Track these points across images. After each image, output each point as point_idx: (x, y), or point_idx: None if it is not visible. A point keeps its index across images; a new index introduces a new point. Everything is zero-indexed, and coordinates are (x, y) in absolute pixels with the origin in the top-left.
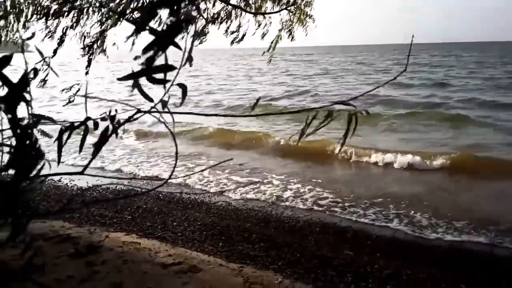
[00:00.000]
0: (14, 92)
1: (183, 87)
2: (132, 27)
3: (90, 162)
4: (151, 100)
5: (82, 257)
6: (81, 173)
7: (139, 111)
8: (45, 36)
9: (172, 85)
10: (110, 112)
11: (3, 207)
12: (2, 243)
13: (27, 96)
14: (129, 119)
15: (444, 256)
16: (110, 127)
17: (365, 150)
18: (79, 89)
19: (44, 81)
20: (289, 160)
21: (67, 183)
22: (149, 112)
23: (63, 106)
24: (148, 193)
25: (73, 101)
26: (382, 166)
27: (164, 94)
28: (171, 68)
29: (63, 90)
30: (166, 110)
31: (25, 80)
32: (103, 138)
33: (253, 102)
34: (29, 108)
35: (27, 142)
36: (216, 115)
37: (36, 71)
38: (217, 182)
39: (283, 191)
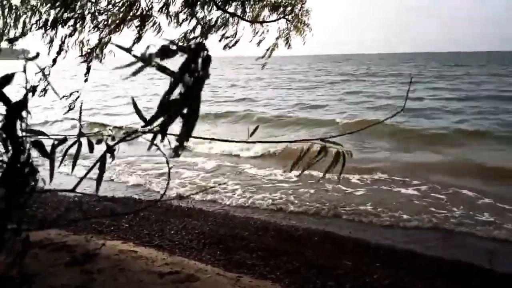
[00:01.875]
0: (13, 112)
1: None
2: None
3: (81, 180)
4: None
5: (78, 265)
6: (72, 190)
7: (136, 131)
8: (45, 43)
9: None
10: (106, 140)
11: None
12: None
13: (23, 113)
14: (123, 139)
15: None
16: (108, 154)
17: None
18: (78, 97)
19: (44, 91)
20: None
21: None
22: (144, 133)
23: (64, 114)
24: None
25: (73, 108)
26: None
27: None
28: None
29: (62, 97)
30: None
31: (24, 101)
32: (102, 167)
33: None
34: (24, 124)
35: (20, 159)
36: (212, 139)
37: (34, 88)
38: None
39: (280, 199)
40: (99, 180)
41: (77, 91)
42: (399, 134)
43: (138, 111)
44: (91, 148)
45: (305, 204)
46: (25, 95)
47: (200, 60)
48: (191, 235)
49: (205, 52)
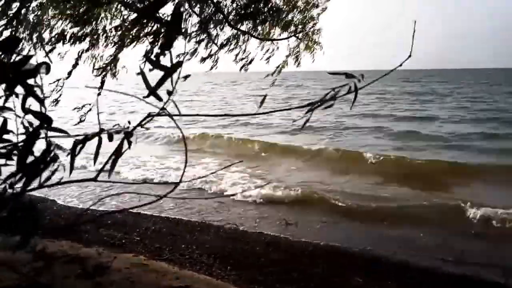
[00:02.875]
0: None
1: None
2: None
3: (102, 168)
4: (161, 99)
5: (90, 278)
6: (95, 179)
7: (149, 115)
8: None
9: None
10: (124, 125)
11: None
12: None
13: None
14: (140, 124)
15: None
16: (125, 141)
17: None
18: (90, 109)
19: (56, 101)
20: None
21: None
22: (158, 114)
23: (74, 125)
24: (159, 201)
25: (83, 120)
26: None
27: (168, 100)
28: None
29: (74, 109)
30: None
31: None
32: (119, 151)
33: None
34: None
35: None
36: (224, 115)
37: (48, 66)
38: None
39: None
40: (113, 163)
41: (89, 104)
42: None
43: (145, 80)
44: (110, 138)
45: (315, 220)
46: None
47: None
48: (201, 250)
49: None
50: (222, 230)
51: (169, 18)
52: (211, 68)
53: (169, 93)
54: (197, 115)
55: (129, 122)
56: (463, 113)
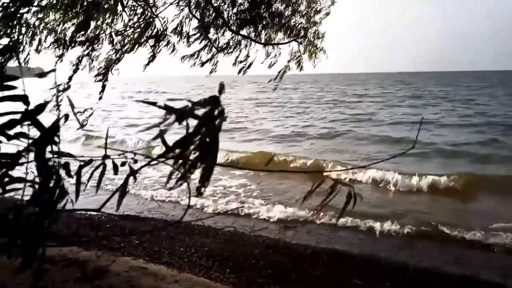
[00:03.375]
0: (46, 137)
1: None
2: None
3: (107, 201)
4: None
5: (89, 281)
6: (99, 210)
7: (156, 158)
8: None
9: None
10: (129, 163)
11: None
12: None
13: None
14: (148, 164)
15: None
16: (130, 176)
17: None
18: (92, 113)
19: (58, 105)
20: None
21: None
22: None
23: (77, 129)
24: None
25: (85, 125)
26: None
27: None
28: None
29: (76, 113)
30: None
31: (56, 126)
32: (124, 187)
33: None
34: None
35: (52, 180)
36: (234, 166)
37: (67, 117)
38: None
39: (290, 217)
40: (120, 200)
41: (91, 108)
42: None
43: (163, 140)
44: (115, 170)
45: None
46: (57, 121)
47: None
48: (200, 253)
49: (220, 107)
50: (220, 232)
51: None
52: (211, 71)
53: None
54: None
55: (134, 154)
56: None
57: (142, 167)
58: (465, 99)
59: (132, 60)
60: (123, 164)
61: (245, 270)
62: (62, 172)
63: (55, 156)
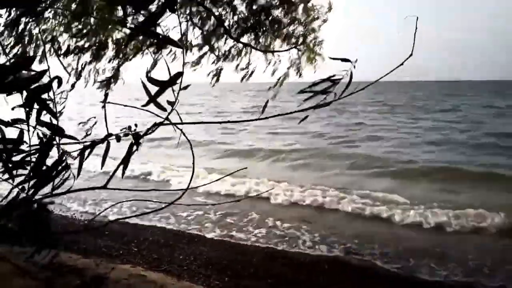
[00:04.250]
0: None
1: None
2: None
3: (111, 177)
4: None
5: None
6: (104, 187)
7: (155, 124)
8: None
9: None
10: (130, 127)
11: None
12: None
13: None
14: (147, 132)
15: None
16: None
17: None
18: (95, 123)
19: (60, 113)
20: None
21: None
22: (162, 124)
23: (81, 139)
24: (166, 208)
25: (89, 134)
26: None
27: (172, 109)
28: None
29: (79, 123)
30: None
31: (48, 85)
32: (129, 154)
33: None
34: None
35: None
36: (227, 122)
37: (60, 80)
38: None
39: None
40: (126, 163)
41: (94, 117)
42: None
43: (145, 88)
44: (118, 139)
45: (314, 231)
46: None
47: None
48: (199, 261)
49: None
50: (219, 241)
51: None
52: (217, 80)
53: (171, 103)
54: (200, 122)
55: (135, 125)
56: None
57: (144, 134)
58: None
59: (138, 66)
60: (126, 135)
61: (244, 278)
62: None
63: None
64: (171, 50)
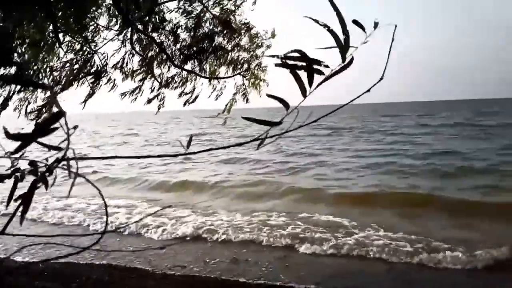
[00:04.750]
0: None
1: None
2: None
3: (9, 221)
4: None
5: None
6: (2, 232)
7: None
8: None
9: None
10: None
11: None
12: None
13: None
14: (49, 168)
15: None
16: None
17: None
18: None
19: None
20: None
21: None
22: (67, 160)
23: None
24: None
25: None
26: None
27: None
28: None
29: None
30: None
31: None
32: (30, 195)
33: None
34: None
35: None
36: (147, 156)
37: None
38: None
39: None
40: (27, 204)
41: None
42: None
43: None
44: (21, 179)
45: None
46: None
47: None
48: None
49: None
50: (170, 275)
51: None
52: (158, 108)
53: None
54: (113, 157)
55: (46, 160)
56: None
57: (48, 168)
58: None
59: (74, 97)
60: (30, 172)
61: None
62: None
63: None
64: (110, 79)
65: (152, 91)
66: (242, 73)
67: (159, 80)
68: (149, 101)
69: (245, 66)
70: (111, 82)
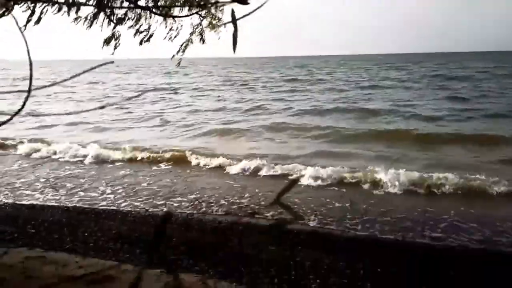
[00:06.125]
0: None
1: None
2: None
3: None
4: None
5: None
6: None
7: None
8: None
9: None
10: None
11: None
12: None
13: None
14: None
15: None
16: None
17: None
18: None
19: None
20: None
21: None
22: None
23: None
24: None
25: None
26: None
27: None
28: None
29: None
30: None
31: None
32: None
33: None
34: None
35: None
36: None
37: None
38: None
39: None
40: None
41: None
42: None
43: None
44: None
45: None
46: None
47: None
48: (107, 236)
49: None
50: (130, 215)
51: None
52: (115, 48)
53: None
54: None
55: None
56: None
57: None
58: None
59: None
60: None
61: (157, 248)
62: None
63: None
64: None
65: (105, 27)
66: (199, 13)
67: (112, 18)
68: (107, 41)
69: (202, 3)
70: (57, 7)
